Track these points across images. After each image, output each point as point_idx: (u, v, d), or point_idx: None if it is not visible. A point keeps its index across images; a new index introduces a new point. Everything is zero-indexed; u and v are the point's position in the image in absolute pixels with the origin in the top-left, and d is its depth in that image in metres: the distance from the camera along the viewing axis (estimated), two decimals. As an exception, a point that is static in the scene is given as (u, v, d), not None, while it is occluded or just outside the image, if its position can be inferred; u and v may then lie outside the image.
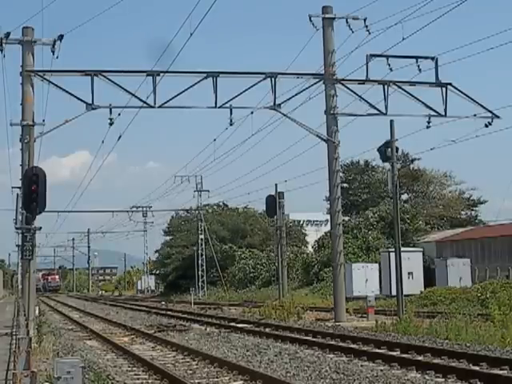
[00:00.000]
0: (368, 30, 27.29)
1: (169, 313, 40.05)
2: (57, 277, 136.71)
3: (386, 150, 26.60)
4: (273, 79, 27.22)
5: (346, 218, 60.36)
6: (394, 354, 16.82)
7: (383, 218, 54.68)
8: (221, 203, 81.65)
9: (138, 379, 14.63)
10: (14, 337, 16.86)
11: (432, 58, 27.90)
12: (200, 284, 66.43)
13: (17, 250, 55.35)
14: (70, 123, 25.88)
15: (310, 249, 69.00)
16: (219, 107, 26.69)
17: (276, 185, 43.54)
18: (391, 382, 12.90)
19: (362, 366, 15.29)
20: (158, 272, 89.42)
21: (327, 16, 28.38)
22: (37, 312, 24.96)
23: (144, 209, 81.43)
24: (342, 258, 29.03)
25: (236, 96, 27.07)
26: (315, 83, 28.56)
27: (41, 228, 22.22)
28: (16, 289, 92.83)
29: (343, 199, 43.15)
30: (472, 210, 65.87)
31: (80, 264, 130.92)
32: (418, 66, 27.75)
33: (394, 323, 23.17)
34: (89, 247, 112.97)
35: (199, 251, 67.17)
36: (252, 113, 28.66)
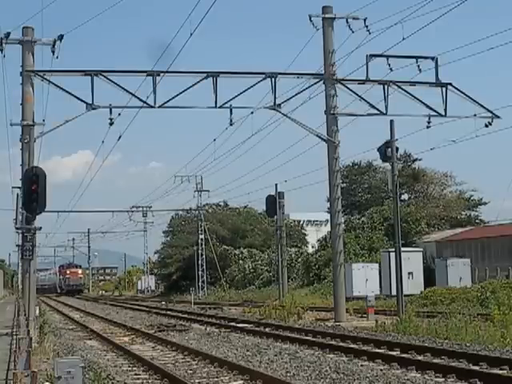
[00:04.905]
0: (368, 30, 27.31)
1: (169, 313, 40.06)
2: (79, 271, 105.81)
3: (386, 150, 26.62)
4: (273, 79, 27.22)
5: (349, 218, 60.44)
6: (393, 353, 16.83)
7: (386, 218, 54.70)
8: (221, 203, 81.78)
9: (138, 379, 14.64)
10: (15, 337, 16.87)
11: (432, 58, 27.91)
12: (200, 284, 66.45)
13: (17, 249, 55.27)
14: (72, 123, 25.94)
15: (310, 249, 69.06)
16: (219, 107, 26.69)
17: (276, 185, 43.57)
18: (391, 381, 12.91)
19: (361, 365, 15.30)
20: (158, 272, 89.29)
21: (327, 16, 28.38)
22: (37, 312, 24.96)
23: (144, 209, 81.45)
24: (342, 257, 29.01)
25: (236, 96, 27.09)
26: (315, 83, 28.57)
27: (41, 228, 22.29)
28: (16, 289, 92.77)
29: (344, 199, 43.20)
30: (472, 210, 65.85)
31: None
32: (418, 66, 27.77)
33: (394, 323, 23.18)
34: (89, 247, 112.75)
35: (199, 251, 67.19)
36: (252, 113, 28.68)
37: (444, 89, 28.16)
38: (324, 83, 28.55)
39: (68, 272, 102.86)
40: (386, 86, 27.88)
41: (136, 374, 15.32)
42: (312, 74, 28.73)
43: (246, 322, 30.24)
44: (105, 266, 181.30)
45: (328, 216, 46.93)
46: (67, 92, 25.59)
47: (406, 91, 28.25)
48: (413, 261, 40.45)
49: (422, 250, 45.21)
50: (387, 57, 27.48)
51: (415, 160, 66.01)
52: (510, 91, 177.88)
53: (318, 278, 55.03)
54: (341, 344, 19.50)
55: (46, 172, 19.61)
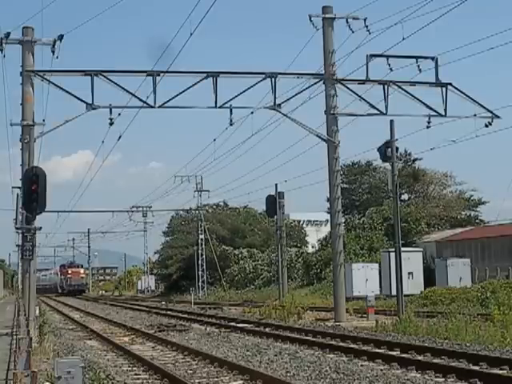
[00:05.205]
0: (368, 30, 27.30)
1: (169, 313, 40.06)
2: (81, 271, 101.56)
3: (386, 150, 26.61)
4: (273, 79, 27.22)
5: (349, 218, 60.46)
6: (393, 353, 16.83)
7: (386, 218, 54.73)
8: (221, 203, 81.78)
9: (138, 379, 14.63)
10: (15, 337, 16.87)
11: (432, 58, 27.91)
12: (200, 284, 66.47)
13: (17, 249, 55.24)
14: (72, 123, 25.96)
15: (310, 249, 69.07)
16: (219, 107, 26.69)
17: (276, 185, 43.54)
18: (391, 381, 12.91)
19: (361, 365, 15.30)
20: (158, 272, 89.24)
21: (327, 16, 28.38)
22: (37, 312, 24.96)
23: (144, 209, 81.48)
24: (342, 257, 29.00)
25: (236, 96, 27.09)
26: (315, 83, 28.57)
27: (41, 228, 22.31)
28: (16, 289, 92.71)
29: (344, 199, 43.18)
30: (472, 210, 65.87)
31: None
32: (418, 66, 27.77)
33: (394, 323, 23.18)
34: (89, 247, 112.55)
35: (199, 251, 67.21)
36: (252, 113, 28.68)
37: (444, 89, 28.16)
38: (324, 83, 28.54)
39: (70, 272, 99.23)
40: (386, 86, 27.87)
41: (136, 374, 15.32)
42: (312, 74, 28.73)
43: (246, 321, 30.24)
44: (105, 266, 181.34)
45: (328, 216, 46.96)
46: (67, 92, 25.59)
47: (406, 91, 28.25)
48: (413, 261, 40.44)
49: (422, 250, 45.20)
50: (387, 57, 27.48)
51: (415, 160, 66.08)
52: (510, 91, 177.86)
53: (318, 278, 55.04)
54: (341, 344, 19.50)
55: (46, 172, 19.62)
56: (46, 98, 37.80)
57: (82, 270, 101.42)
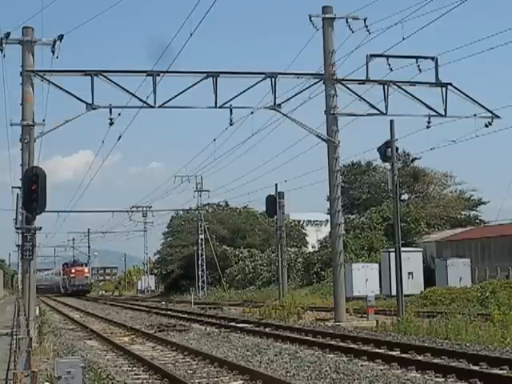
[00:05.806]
0: (368, 30, 27.32)
1: (169, 313, 40.06)
2: (86, 270, 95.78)
3: (386, 150, 26.61)
4: (273, 79, 27.23)
5: (349, 218, 60.47)
6: (393, 353, 16.82)
7: (385, 218, 54.72)
8: (222, 202, 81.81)
9: (138, 379, 14.63)
10: (15, 337, 16.87)
11: (432, 58, 27.92)
12: (200, 284, 66.48)
13: (17, 249, 55.13)
14: (72, 123, 25.97)
15: (310, 249, 69.09)
16: (219, 107, 26.70)
17: (276, 185, 43.53)
18: (391, 381, 12.91)
19: (362, 365, 15.30)
20: (158, 272, 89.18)
21: (327, 16, 28.39)
22: (37, 312, 24.96)
23: (144, 209, 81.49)
24: (342, 257, 29.00)
25: (236, 96, 27.11)
26: (315, 83, 28.58)
27: (41, 228, 22.33)
28: (16, 289, 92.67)
29: (344, 199, 43.20)
30: (472, 210, 65.88)
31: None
32: (418, 66, 27.78)
33: (394, 323, 23.18)
34: (89, 247, 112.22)
35: (199, 251, 67.22)
36: (252, 113, 28.69)
37: (444, 89, 28.17)
38: (324, 83, 28.55)
39: (73, 271, 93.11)
40: (386, 86, 27.88)
41: (136, 374, 15.32)
42: (312, 74, 28.73)
43: (246, 322, 30.24)
44: (105, 266, 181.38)
45: (328, 216, 46.95)
46: (67, 92, 25.60)
47: (405, 91, 28.25)
48: (413, 261, 40.45)
49: (421, 250, 45.21)
50: (387, 57, 27.49)
51: (414, 159, 66.09)
52: (510, 91, 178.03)
53: (318, 278, 55.06)
54: (341, 344, 19.50)
55: (46, 172, 19.65)
56: (46, 98, 37.78)
57: (86, 269, 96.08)
